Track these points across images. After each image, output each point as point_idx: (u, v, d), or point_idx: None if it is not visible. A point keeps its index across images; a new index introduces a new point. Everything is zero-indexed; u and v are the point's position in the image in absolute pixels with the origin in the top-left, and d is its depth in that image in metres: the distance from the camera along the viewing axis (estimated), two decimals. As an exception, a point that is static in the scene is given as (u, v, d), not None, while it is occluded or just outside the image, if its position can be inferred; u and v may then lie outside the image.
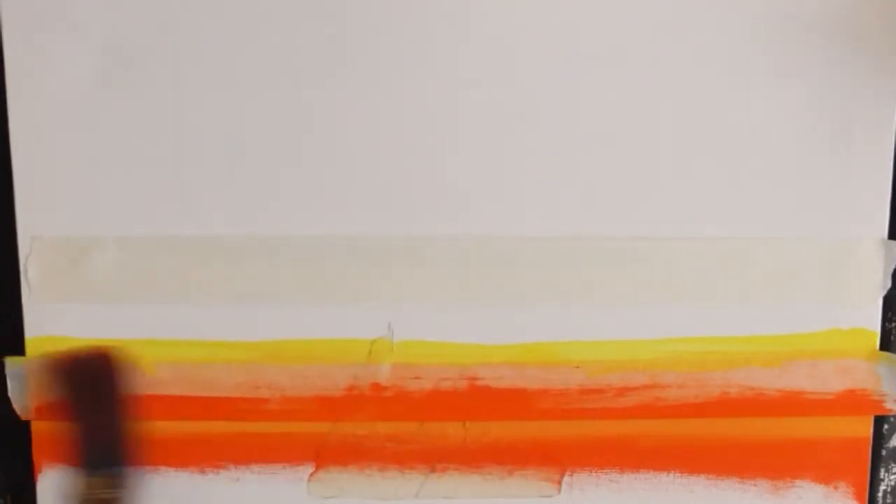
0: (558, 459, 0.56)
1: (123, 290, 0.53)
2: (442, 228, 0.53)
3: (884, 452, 0.57)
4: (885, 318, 0.55)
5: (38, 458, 0.54)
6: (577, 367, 0.54)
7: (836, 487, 0.57)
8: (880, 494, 0.58)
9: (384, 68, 0.52)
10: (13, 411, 0.53)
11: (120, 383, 0.48)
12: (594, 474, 0.56)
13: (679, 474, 0.56)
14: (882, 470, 0.57)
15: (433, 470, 0.56)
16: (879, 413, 0.56)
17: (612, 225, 0.54)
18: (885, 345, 0.56)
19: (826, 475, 0.57)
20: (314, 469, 0.55)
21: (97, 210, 0.52)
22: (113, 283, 0.53)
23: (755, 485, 0.57)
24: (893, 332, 0.56)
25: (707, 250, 0.54)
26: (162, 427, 0.54)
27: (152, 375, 0.54)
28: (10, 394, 0.53)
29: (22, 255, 0.53)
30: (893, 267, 0.55)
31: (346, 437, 0.55)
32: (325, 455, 0.55)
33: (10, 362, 0.53)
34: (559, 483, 0.56)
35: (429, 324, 0.54)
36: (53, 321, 0.53)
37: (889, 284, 0.55)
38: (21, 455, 0.54)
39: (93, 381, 0.48)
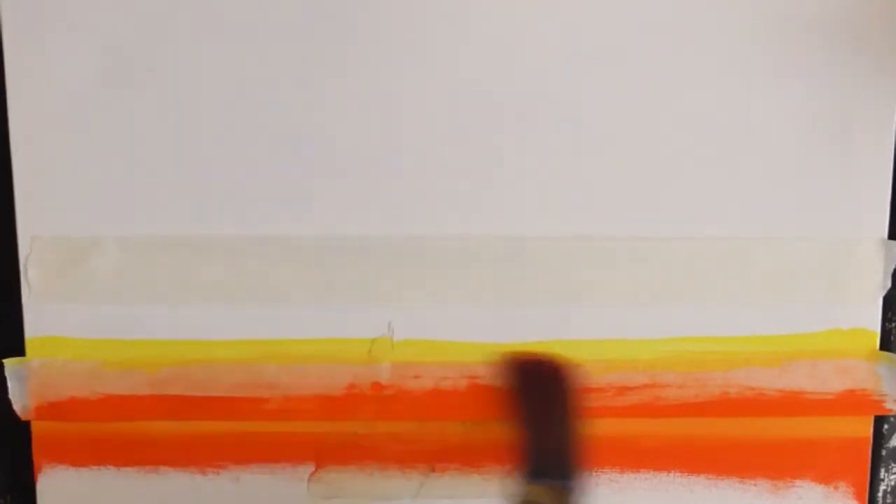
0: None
1: (123, 290, 0.53)
2: (442, 228, 0.53)
3: (884, 452, 0.57)
4: (885, 318, 0.55)
5: (38, 458, 0.54)
6: (577, 366, 0.54)
7: (836, 487, 0.57)
8: (880, 494, 0.58)
9: (384, 68, 0.52)
10: (13, 411, 0.53)
11: (570, 390, 0.47)
12: (594, 474, 0.56)
13: (679, 474, 0.56)
14: (882, 470, 0.57)
15: (433, 470, 0.56)
16: (879, 413, 0.56)
17: (612, 225, 0.54)
18: (885, 345, 0.56)
19: (826, 475, 0.57)
20: (314, 469, 0.55)
21: (97, 210, 0.52)
22: (113, 283, 0.53)
23: (755, 485, 0.57)
24: (893, 332, 0.56)
25: (707, 250, 0.54)
26: (162, 427, 0.54)
27: (152, 375, 0.54)
28: (10, 394, 0.53)
29: (22, 255, 0.53)
30: (893, 267, 0.55)
31: (346, 437, 0.55)
32: (325, 455, 0.55)
33: (10, 362, 0.53)
34: (559, 483, 0.56)
35: (429, 323, 0.54)
36: (53, 321, 0.53)
37: (889, 284, 0.55)
38: (21, 455, 0.55)
39: (544, 387, 0.47)
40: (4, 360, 0.53)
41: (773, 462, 0.56)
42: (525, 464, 0.45)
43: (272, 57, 0.51)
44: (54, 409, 0.54)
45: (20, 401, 0.53)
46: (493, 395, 0.47)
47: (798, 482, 0.57)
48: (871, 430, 0.56)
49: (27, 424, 0.54)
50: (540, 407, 0.46)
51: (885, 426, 0.57)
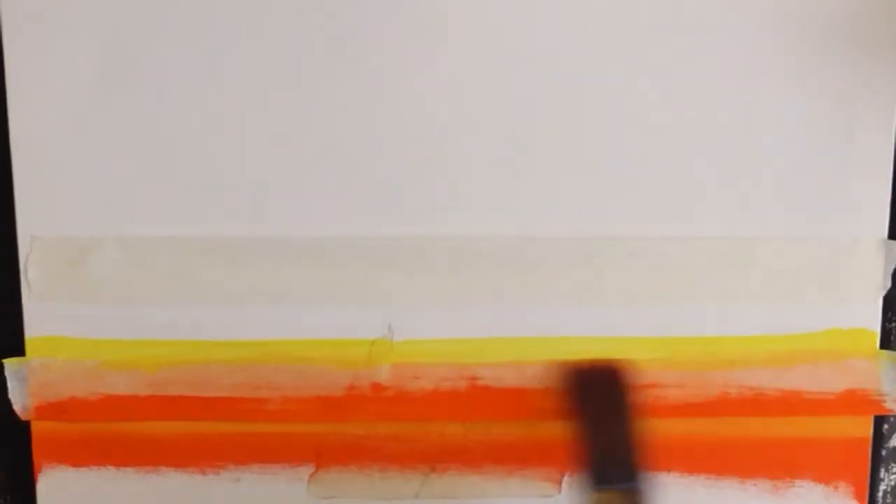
0: (558, 459, 0.56)
1: (123, 290, 0.53)
2: (442, 228, 0.53)
3: (884, 452, 0.57)
4: (885, 318, 0.55)
5: (38, 458, 0.55)
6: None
7: (836, 487, 0.57)
8: (880, 494, 0.58)
9: (384, 68, 0.52)
10: (13, 411, 0.53)
11: (628, 392, 0.47)
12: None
13: (679, 474, 0.56)
14: (882, 470, 0.57)
15: (433, 470, 0.56)
16: (880, 413, 0.56)
17: (611, 225, 0.54)
18: (885, 345, 0.56)
19: (826, 475, 0.57)
20: (314, 469, 0.55)
21: (97, 210, 0.52)
22: (113, 283, 0.53)
23: (755, 485, 0.57)
24: (893, 332, 0.56)
25: (707, 250, 0.54)
26: (162, 427, 0.54)
27: (152, 375, 0.54)
28: (10, 394, 0.53)
29: (22, 255, 0.53)
30: (893, 267, 0.55)
31: (346, 437, 0.55)
32: (325, 455, 0.55)
33: (10, 362, 0.53)
34: (559, 483, 0.56)
35: (429, 324, 0.54)
36: (53, 321, 0.53)
37: (889, 284, 0.55)
38: (21, 455, 0.55)
39: (606, 394, 0.47)
40: (4, 360, 0.53)
41: (773, 462, 0.56)
42: (590, 470, 0.44)
43: (272, 57, 0.51)
44: (54, 409, 0.54)
45: (20, 401, 0.53)
46: (551, 401, 0.46)
47: (798, 482, 0.57)
48: (871, 430, 0.56)
49: (27, 424, 0.54)
50: (600, 412, 0.46)
51: (885, 426, 0.57)
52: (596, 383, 0.47)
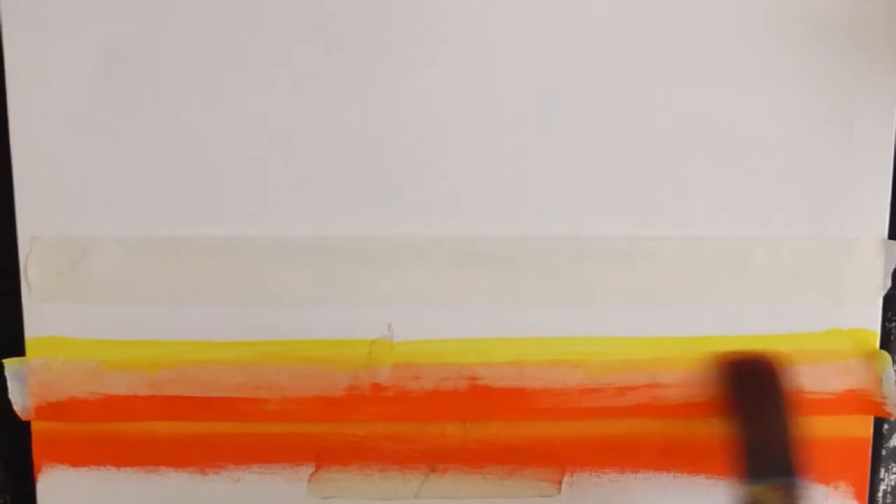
0: (558, 459, 0.56)
1: (123, 290, 0.53)
2: (442, 228, 0.53)
3: (884, 452, 0.57)
4: (885, 318, 0.55)
5: (38, 458, 0.55)
6: (578, 366, 0.54)
7: (836, 487, 0.57)
8: (880, 494, 0.58)
9: (384, 68, 0.52)
10: (13, 411, 0.53)
11: (784, 385, 0.46)
12: (594, 474, 0.56)
13: (679, 474, 0.56)
14: (882, 470, 0.57)
15: (433, 470, 0.56)
16: (879, 414, 0.56)
17: (612, 225, 0.54)
18: (885, 345, 0.56)
19: (826, 475, 0.56)
20: (314, 469, 0.55)
21: (97, 210, 0.52)
22: (113, 283, 0.53)
23: (755, 485, 0.56)
24: (893, 332, 0.56)
25: (707, 250, 0.54)
26: (162, 427, 0.54)
27: (152, 375, 0.54)
28: (10, 394, 0.53)
29: (22, 255, 0.53)
30: (893, 267, 0.55)
31: (346, 437, 0.55)
32: (325, 455, 0.55)
33: (10, 362, 0.53)
34: (559, 483, 0.56)
35: (429, 324, 0.54)
36: (53, 321, 0.53)
37: (889, 284, 0.55)
38: (21, 455, 0.55)
39: (759, 385, 0.46)
40: (4, 360, 0.53)
41: (773, 462, 0.56)
42: (746, 464, 0.44)
43: (272, 57, 0.51)
44: (54, 409, 0.54)
45: (20, 401, 0.53)
46: (708, 397, 0.45)
47: (798, 482, 0.57)
48: (871, 430, 0.56)
49: (27, 424, 0.54)
50: (756, 405, 0.46)
51: (885, 426, 0.57)
52: (752, 375, 0.46)
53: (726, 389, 0.45)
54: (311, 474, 0.55)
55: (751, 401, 0.46)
